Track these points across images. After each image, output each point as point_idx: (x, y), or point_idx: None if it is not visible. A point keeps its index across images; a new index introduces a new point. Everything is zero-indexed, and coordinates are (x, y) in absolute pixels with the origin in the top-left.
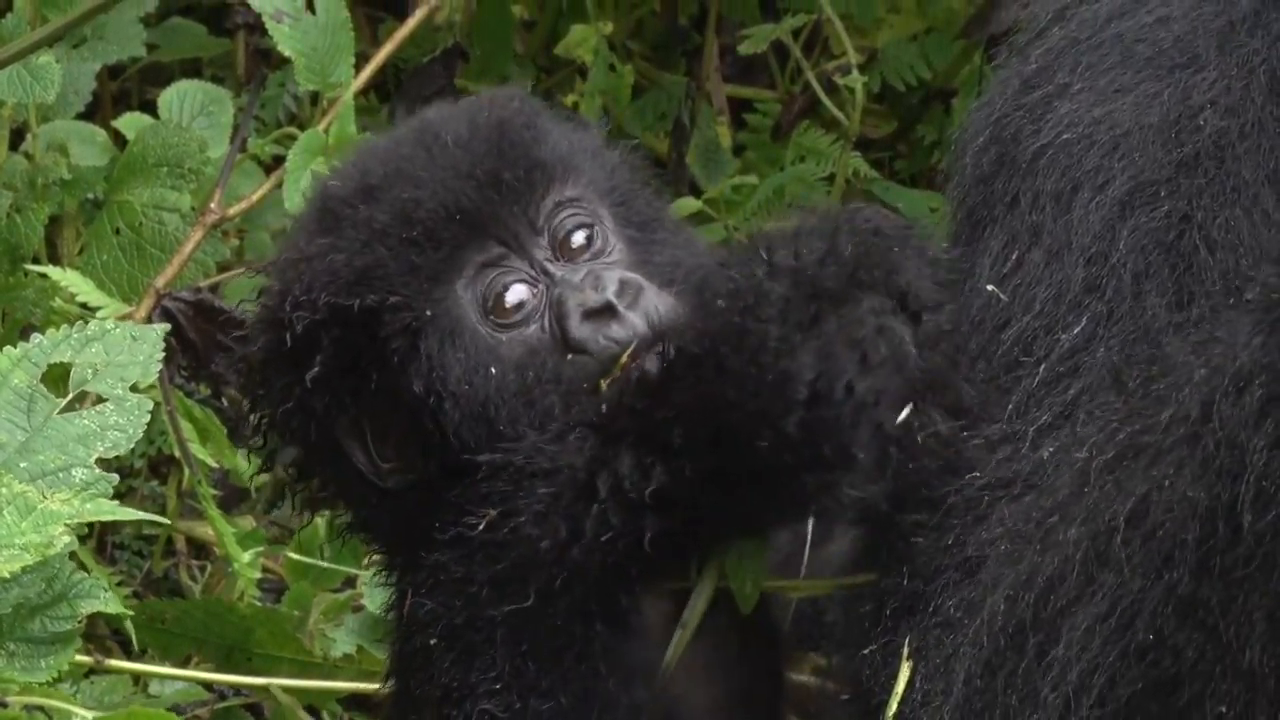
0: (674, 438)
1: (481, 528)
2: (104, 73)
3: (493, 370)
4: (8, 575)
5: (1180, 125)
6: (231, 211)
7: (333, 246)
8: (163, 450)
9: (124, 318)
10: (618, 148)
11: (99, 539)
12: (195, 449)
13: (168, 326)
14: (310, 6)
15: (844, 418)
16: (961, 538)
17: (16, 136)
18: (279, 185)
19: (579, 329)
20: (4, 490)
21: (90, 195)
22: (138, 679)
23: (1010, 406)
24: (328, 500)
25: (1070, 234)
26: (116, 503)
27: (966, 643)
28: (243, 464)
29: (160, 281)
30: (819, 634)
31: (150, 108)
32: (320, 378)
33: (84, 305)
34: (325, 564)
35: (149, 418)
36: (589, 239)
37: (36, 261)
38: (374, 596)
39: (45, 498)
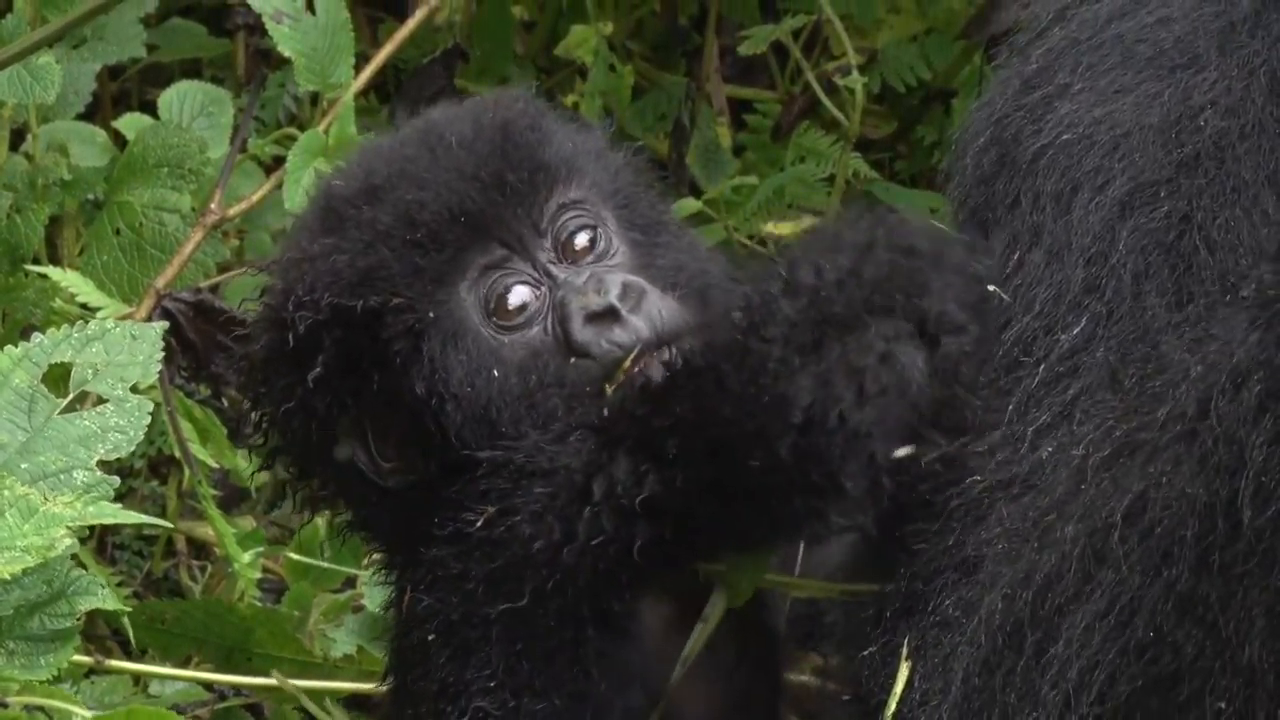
0: (669, 447)
1: (479, 525)
2: (104, 73)
3: (495, 373)
4: (9, 577)
5: (1180, 126)
6: (231, 212)
7: (336, 247)
8: (163, 450)
9: (124, 318)
10: (622, 150)
11: (99, 539)
12: (195, 449)
13: (168, 326)
14: (310, 7)
15: (836, 447)
16: (960, 537)
17: (16, 137)
18: (279, 185)
19: (581, 332)
20: (6, 493)
21: (90, 196)
22: (138, 679)
23: (1010, 407)
24: (328, 499)
25: (1070, 234)
26: (118, 505)
27: (965, 642)
28: (243, 464)
29: (160, 282)
30: (817, 634)
31: (150, 108)
32: (322, 378)
33: (84, 305)
34: (325, 564)
35: (149, 418)
36: (592, 241)
37: (37, 262)
38: (374, 596)
39: (47, 500)
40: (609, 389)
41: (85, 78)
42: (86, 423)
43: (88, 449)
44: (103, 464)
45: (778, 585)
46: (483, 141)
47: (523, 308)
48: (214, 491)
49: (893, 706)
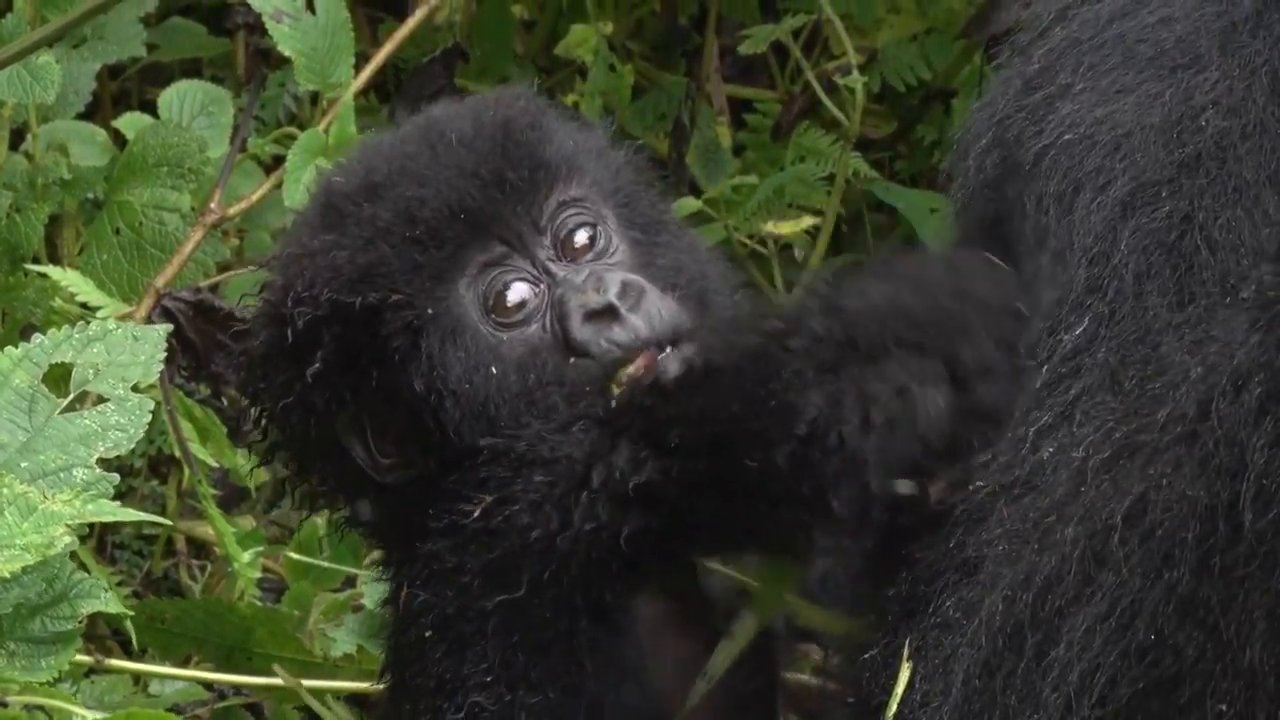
0: (671, 435)
1: (476, 515)
2: (104, 73)
3: (493, 370)
4: (8, 575)
5: (1182, 126)
6: (231, 211)
7: (336, 243)
8: (163, 450)
9: (124, 318)
10: (622, 149)
11: (99, 539)
12: (195, 449)
13: (168, 326)
14: (310, 6)
15: (831, 466)
16: (961, 539)
17: (16, 136)
18: (279, 185)
19: (580, 330)
20: (5, 491)
21: (90, 195)
22: (138, 679)
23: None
24: (326, 495)
25: (1072, 235)
26: (117, 503)
27: (965, 643)
28: (243, 464)
29: (160, 281)
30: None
31: (150, 108)
32: (321, 374)
33: (84, 305)
34: (325, 563)
35: (150, 418)
36: (592, 239)
37: (36, 261)
38: (373, 594)
39: (46, 498)
40: (614, 390)
41: (85, 77)
42: (87, 422)
43: (88, 447)
44: (102, 462)
45: (803, 611)
46: (483, 139)
47: (521, 305)
48: (214, 491)
49: (894, 708)
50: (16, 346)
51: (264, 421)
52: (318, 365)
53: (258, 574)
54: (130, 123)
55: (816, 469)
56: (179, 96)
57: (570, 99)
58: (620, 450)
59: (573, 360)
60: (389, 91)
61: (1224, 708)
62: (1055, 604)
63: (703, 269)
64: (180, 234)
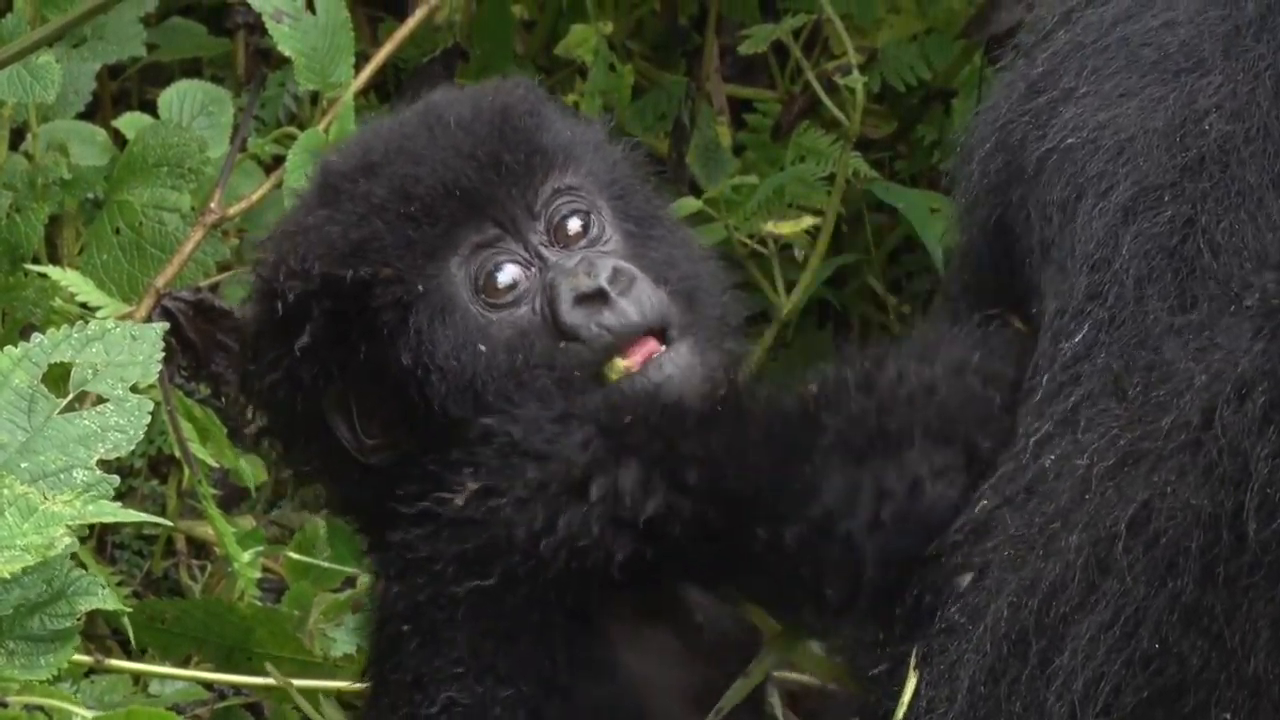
0: (689, 477)
1: (459, 502)
2: (104, 73)
3: (481, 348)
4: (8, 576)
5: (1185, 130)
6: (231, 211)
7: (330, 219)
8: (163, 450)
9: (124, 318)
10: (621, 144)
11: (99, 539)
12: (195, 449)
13: (168, 326)
14: (310, 6)
15: (833, 555)
16: (967, 549)
17: (16, 136)
18: (279, 185)
19: (570, 314)
20: (5, 492)
21: (90, 195)
22: (138, 679)
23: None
24: (312, 476)
25: (1074, 240)
26: (118, 504)
27: (970, 649)
28: (243, 464)
29: (160, 281)
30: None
31: (150, 108)
32: (309, 348)
33: (84, 305)
34: (325, 564)
35: (149, 418)
36: (585, 226)
37: (36, 261)
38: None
39: (46, 499)
40: (610, 377)
41: (85, 77)
42: (86, 422)
43: (87, 448)
44: (102, 463)
45: (812, 659)
46: (481, 123)
47: (512, 286)
48: (214, 491)
49: (900, 714)
50: (16, 346)
51: (253, 402)
52: (306, 339)
53: (258, 574)
54: (130, 123)
55: (819, 554)
56: (179, 96)
57: (570, 99)
58: (630, 471)
59: (562, 344)
60: (389, 91)
61: (1228, 717)
62: (1060, 611)
63: (695, 267)
64: (180, 234)
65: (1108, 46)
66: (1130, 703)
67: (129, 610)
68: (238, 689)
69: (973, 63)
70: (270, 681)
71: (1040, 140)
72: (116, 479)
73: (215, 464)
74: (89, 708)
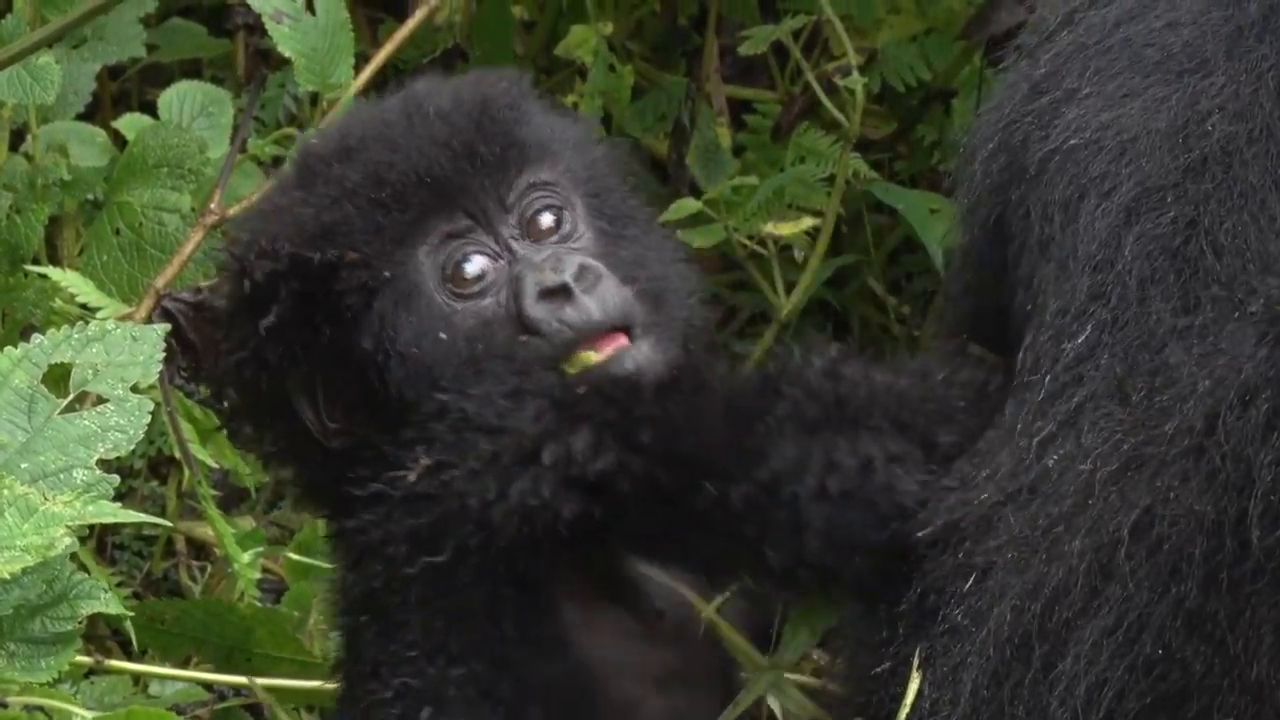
0: (642, 436)
1: (412, 477)
2: (104, 73)
3: (443, 335)
4: (8, 577)
5: (1188, 130)
6: (231, 212)
7: (303, 200)
8: (163, 451)
9: (124, 318)
10: (604, 143)
11: (99, 539)
12: (195, 449)
13: (168, 327)
14: (310, 7)
15: (778, 518)
16: (970, 546)
17: (16, 137)
18: None
19: (533, 308)
20: (5, 492)
21: (90, 196)
22: (138, 679)
23: (1019, 425)
24: (277, 458)
25: (1076, 241)
26: (118, 505)
27: (974, 652)
28: (243, 465)
29: (160, 282)
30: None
31: (150, 108)
32: (275, 328)
33: (84, 306)
34: (325, 564)
35: (149, 418)
36: (557, 222)
37: (36, 262)
38: None
39: (46, 499)
40: (570, 371)
41: (85, 78)
42: (86, 422)
43: (87, 448)
44: (102, 463)
45: (793, 696)
46: (460, 113)
47: (479, 278)
48: (214, 491)
49: (903, 716)
50: (16, 347)
51: (222, 382)
52: (272, 319)
53: (257, 575)
54: (130, 123)
55: (764, 516)
56: (179, 97)
57: (570, 99)
58: (580, 434)
59: (523, 337)
60: (389, 92)
61: None
62: (1063, 615)
63: (665, 269)
64: (180, 234)
65: (1110, 47)
66: (1133, 708)
67: (130, 614)
68: (237, 690)
69: (973, 63)
70: (270, 682)
71: (1043, 141)
72: (116, 479)
73: (215, 465)
74: (89, 709)
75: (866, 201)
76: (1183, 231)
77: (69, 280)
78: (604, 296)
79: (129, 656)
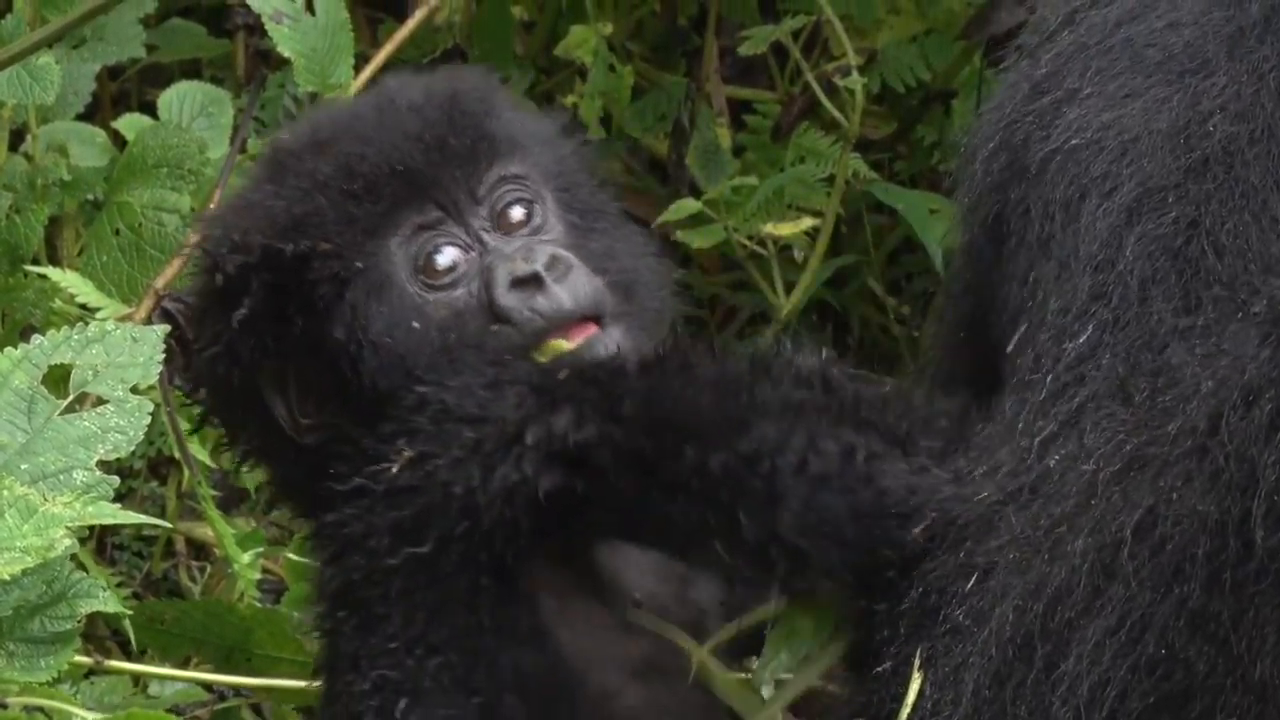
0: (624, 408)
1: (395, 469)
2: (104, 73)
3: (415, 324)
4: (8, 578)
5: (1189, 130)
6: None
7: (275, 194)
8: (162, 451)
9: (124, 319)
10: (574, 140)
11: (99, 540)
12: (195, 450)
13: (168, 327)
14: (310, 7)
15: (754, 489)
16: (971, 546)
17: (16, 137)
18: None
19: (505, 297)
20: (5, 493)
21: (90, 196)
22: (138, 679)
23: (1020, 424)
24: (253, 455)
25: (1078, 241)
26: (117, 505)
27: (975, 652)
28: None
29: (160, 282)
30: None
31: (150, 109)
32: (247, 321)
33: (84, 306)
34: None
35: (149, 419)
36: (528, 215)
37: (36, 262)
38: None
39: (46, 500)
40: (539, 359)
41: (85, 78)
42: (86, 423)
43: (87, 449)
44: (102, 464)
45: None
46: (431, 107)
47: (451, 269)
48: (214, 492)
49: (904, 716)
50: (16, 347)
51: (196, 379)
52: (244, 311)
53: (257, 575)
54: (130, 124)
55: (741, 485)
56: (179, 97)
57: (570, 99)
58: (563, 414)
59: (495, 326)
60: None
61: None
62: (1065, 615)
63: (636, 261)
64: (180, 235)
65: (1111, 47)
66: (1136, 708)
67: (129, 613)
68: (237, 690)
69: (973, 63)
70: (270, 682)
71: (1044, 141)
72: (116, 480)
73: (215, 465)
74: (89, 709)
75: (866, 201)
76: (1184, 232)
77: (69, 280)
78: (575, 286)
79: (129, 657)
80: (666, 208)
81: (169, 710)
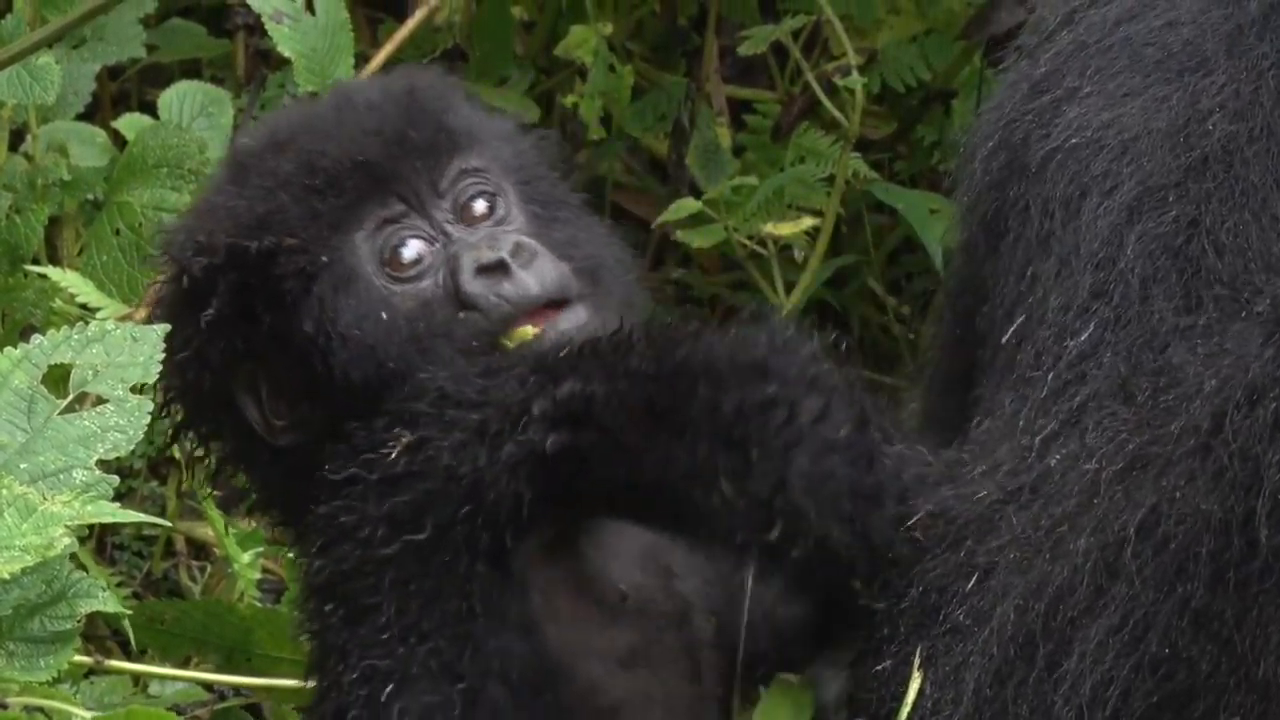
0: (631, 364)
1: (394, 455)
2: (104, 73)
3: (383, 315)
4: (8, 577)
5: (1189, 129)
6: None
7: (237, 194)
8: (162, 451)
9: (124, 318)
10: (532, 135)
11: (99, 539)
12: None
13: (168, 328)
14: (310, 7)
15: (766, 431)
16: (971, 545)
17: (16, 137)
18: None
19: (471, 284)
20: (5, 492)
21: (90, 196)
22: (138, 679)
23: (1021, 422)
24: (227, 462)
25: (1078, 240)
26: (117, 505)
27: (976, 651)
28: None
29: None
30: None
31: (150, 108)
32: (215, 321)
33: (84, 306)
34: None
35: (149, 418)
36: (491, 208)
37: (36, 262)
38: None
39: (46, 499)
40: (507, 345)
41: (85, 78)
42: (86, 423)
43: (87, 449)
44: (102, 464)
45: None
46: (389, 103)
47: (416, 261)
48: (214, 492)
49: (904, 716)
50: (16, 347)
51: (165, 387)
52: (212, 312)
53: (257, 575)
54: (130, 124)
55: (751, 426)
56: (179, 97)
57: (570, 99)
58: (566, 382)
59: (462, 314)
60: None
61: None
62: (1067, 614)
63: (600, 249)
64: None
65: (1111, 46)
66: (1139, 707)
67: (129, 613)
68: (237, 690)
69: (973, 63)
70: (270, 682)
71: (1044, 139)
72: (116, 480)
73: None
74: (89, 709)
75: (866, 201)
76: (1184, 230)
77: (69, 280)
78: (541, 271)
79: (129, 656)
80: (666, 208)
81: (169, 710)
